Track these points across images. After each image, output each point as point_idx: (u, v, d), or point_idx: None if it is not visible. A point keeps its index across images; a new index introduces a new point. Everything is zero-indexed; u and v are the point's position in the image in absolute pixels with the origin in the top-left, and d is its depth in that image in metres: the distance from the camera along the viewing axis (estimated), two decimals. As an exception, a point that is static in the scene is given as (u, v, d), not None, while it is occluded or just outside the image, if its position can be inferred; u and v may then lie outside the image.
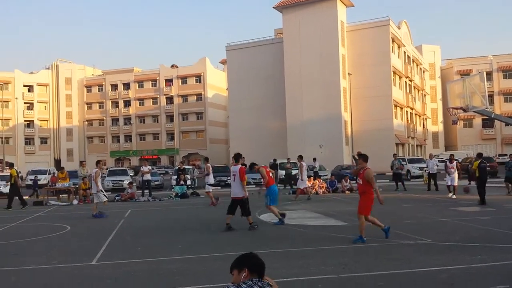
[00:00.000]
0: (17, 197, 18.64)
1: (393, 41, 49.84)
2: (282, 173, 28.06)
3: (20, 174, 39.62)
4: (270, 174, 12.16)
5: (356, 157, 22.97)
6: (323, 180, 24.03)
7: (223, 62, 75.93)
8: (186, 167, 30.69)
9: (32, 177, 37.34)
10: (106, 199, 15.49)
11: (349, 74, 47.91)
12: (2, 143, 61.57)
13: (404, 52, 55.06)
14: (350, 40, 49.52)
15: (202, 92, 74.06)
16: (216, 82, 76.10)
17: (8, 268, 7.38)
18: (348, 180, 22.23)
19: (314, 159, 29.26)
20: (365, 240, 8.67)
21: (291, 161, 27.88)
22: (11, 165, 18.59)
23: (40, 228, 12.19)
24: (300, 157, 19.56)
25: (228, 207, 10.84)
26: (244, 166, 11.80)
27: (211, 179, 17.94)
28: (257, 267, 2.94)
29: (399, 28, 53.70)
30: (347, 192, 21.27)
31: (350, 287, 5.79)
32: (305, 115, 47.79)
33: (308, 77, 47.78)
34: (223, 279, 5.83)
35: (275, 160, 27.33)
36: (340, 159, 43.48)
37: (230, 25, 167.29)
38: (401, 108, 52.36)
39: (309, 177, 23.30)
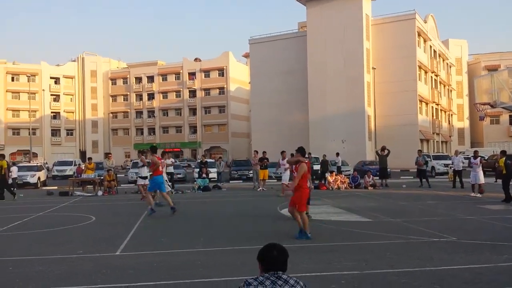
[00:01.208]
0: (6, 189, 18.63)
1: (419, 35, 48.92)
2: (304, 167, 28.01)
3: (46, 165, 40.81)
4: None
5: (380, 152, 22.76)
6: (345, 175, 23.85)
7: (246, 56, 75.97)
8: (208, 160, 30.89)
9: (60, 168, 38.30)
10: (169, 190, 15.55)
11: (373, 68, 47.29)
12: (29, 134, 63.15)
13: (430, 47, 53.99)
14: (375, 34, 48.82)
15: (225, 86, 74.29)
16: (239, 76, 76.21)
17: (34, 257, 7.58)
18: (371, 176, 22.01)
19: (337, 154, 29.08)
20: (310, 236, 8.57)
21: (312, 156, 27.77)
22: (2, 156, 18.71)
23: (66, 218, 12.46)
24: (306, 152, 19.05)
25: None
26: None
27: (144, 171, 17.58)
28: (268, 260, 2.89)
29: (425, 22, 52.64)
30: (370, 188, 21.07)
31: (373, 284, 5.74)
32: (327, 110, 47.44)
33: (331, 71, 47.37)
34: (246, 272, 5.88)
35: (293, 155, 27.24)
36: (363, 155, 43.08)
37: (253, 18, 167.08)
38: (426, 104, 51.48)
39: (331, 172, 23.20)
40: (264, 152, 22.68)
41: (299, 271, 5.92)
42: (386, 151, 22.33)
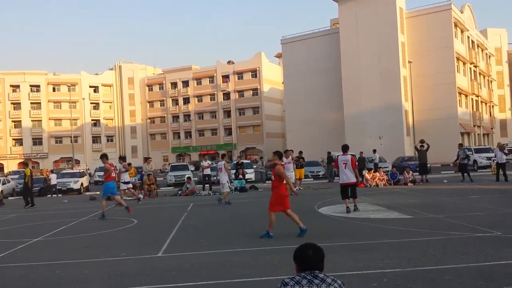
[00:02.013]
0: (28, 196, 19.31)
1: (455, 26, 47.46)
2: (340, 166, 27.71)
3: (88, 171, 42.15)
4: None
5: (419, 147, 22.17)
6: (383, 172, 23.42)
7: (279, 56, 75.92)
8: (244, 161, 31.05)
9: (101, 173, 39.42)
10: (229, 190, 16.47)
11: (409, 62, 46.25)
12: (71, 142, 65.56)
13: (468, 37, 52.27)
14: (410, 27, 47.71)
15: (258, 87, 74.53)
16: (272, 76, 76.26)
17: (81, 260, 7.85)
18: (411, 172, 21.53)
19: (374, 151, 28.59)
20: (272, 235, 8.80)
21: (349, 153, 27.39)
22: (25, 165, 19.94)
23: (108, 222, 12.83)
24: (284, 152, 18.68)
25: (341, 193, 12.39)
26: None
27: (126, 177, 18.39)
28: (303, 260, 2.89)
29: (462, 12, 51.03)
30: (409, 184, 20.61)
31: (416, 281, 5.63)
32: (363, 106, 46.75)
33: (366, 66, 46.66)
34: (285, 272, 5.90)
35: (329, 153, 26.97)
36: (401, 150, 42.21)
37: (285, 18, 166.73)
38: (466, 96, 49.86)
39: (369, 169, 22.85)
40: (300, 152, 22.60)
41: (339, 270, 5.89)
42: (425, 146, 21.76)
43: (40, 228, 12.05)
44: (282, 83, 61.86)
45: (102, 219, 13.26)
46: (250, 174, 28.64)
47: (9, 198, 26.16)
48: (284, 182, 9.09)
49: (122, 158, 18.66)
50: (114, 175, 14.42)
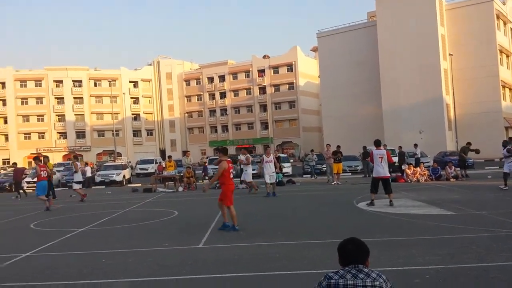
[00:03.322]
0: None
1: (498, 17, 45.63)
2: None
3: (130, 164, 43.37)
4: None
5: (467, 150, 21.00)
6: (424, 167, 22.90)
7: (314, 50, 75.28)
8: (281, 155, 31.08)
9: (142, 166, 40.56)
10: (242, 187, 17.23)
11: (450, 54, 44.84)
12: (113, 135, 67.39)
13: (511, 29, 50.14)
14: (450, 19, 46.20)
15: (294, 81, 74.20)
16: (308, 70, 75.74)
17: (125, 249, 8.14)
18: (453, 167, 20.96)
19: (415, 145, 28.00)
20: (237, 228, 9.25)
21: (388, 148, 26.96)
22: (46, 158, 20.82)
23: (151, 213, 13.21)
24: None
25: (371, 186, 12.49)
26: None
27: (79, 176, 18.71)
28: (347, 254, 2.89)
29: (504, 4, 48.96)
30: (452, 179, 20.08)
31: (459, 278, 5.53)
32: (402, 100, 45.74)
33: (404, 60, 45.59)
34: (326, 266, 5.93)
35: (365, 147, 26.59)
36: (442, 145, 41.09)
37: (321, 11, 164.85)
38: (510, 89, 47.92)
39: (408, 164, 22.40)
40: (338, 146, 22.43)
41: (380, 266, 5.86)
42: (473, 151, 21.01)
43: (86, 219, 12.54)
44: (318, 77, 61.33)
45: (47, 211, 14.76)
46: (287, 168, 28.67)
47: (55, 189, 27.23)
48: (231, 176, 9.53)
49: (37, 159, 18.78)
50: (45, 176, 15.86)
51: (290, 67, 74.74)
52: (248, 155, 19.71)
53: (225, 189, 9.44)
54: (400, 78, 45.86)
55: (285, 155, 37.60)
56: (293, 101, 74.76)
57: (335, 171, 21.36)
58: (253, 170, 28.36)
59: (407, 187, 17.88)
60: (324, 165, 25.06)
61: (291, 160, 41.27)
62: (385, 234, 8.41)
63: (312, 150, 27.50)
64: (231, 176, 9.65)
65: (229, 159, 9.97)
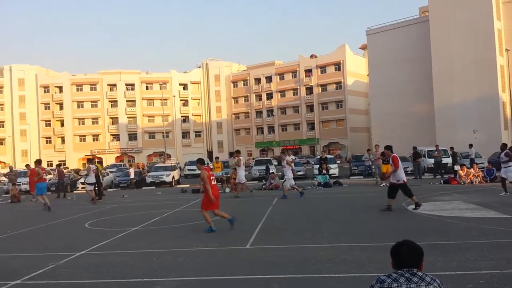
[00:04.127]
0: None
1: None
2: (430, 161, 26.44)
3: (179, 165, 44.37)
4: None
5: None
6: (478, 168, 21.96)
7: (363, 48, 73.93)
8: (328, 156, 30.78)
9: (191, 167, 41.38)
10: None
11: (506, 50, 42.69)
12: (163, 137, 69.25)
13: None
14: (507, 13, 44.01)
15: (342, 80, 73.20)
16: (356, 69, 74.48)
17: (175, 249, 8.37)
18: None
19: (470, 146, 26.89)
20: (214, 229, 9.76)
21: (440, 149, 26.06)
22: (93, 160, 21.82)
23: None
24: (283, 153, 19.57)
25: (393, 192, 12.00)
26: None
27: (91, 179, 19.51)
28: (401, 257, 2.82)
29: None
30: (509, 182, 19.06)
31: (516, 286, 5.29)
32: (455, 98, 44.04)
33: (458, 56, 43.88)
34: (373, 269, 5.85)
35: (415, 148, 25.69)
36: (497, 145, 38.94)
37: (370, 8, 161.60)
38: None
39: (461, 165, 21.56)
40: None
41: (432, 270, 5.69)
42: None
43: (138, 218, 12.97)
44: (367, 75, 60.21)
45: (49, 211, 15.92)
46: (334, 169, 28.34)
47: (108, 190, 28.35)
48: (213, 182, 10.12)
49: (38, 162, 19.18)
50: (45, 178, 17.61)
51: (338, 66, 73.79)
52: (240, 157, 19.75)
53: (206, 194, 10.02)
54: (454, 75, 44.19)
55: (332, 156, 37.19)
56: (340, 101, 73.78)
57: (383, 171, 20.86)
58: (299, 171, 28.39)
59: (460, 189, 17.23)
60: (373, 166, 24.56)
61: (338, 161, 40.74)
62: (436, 237, 8.15)
63: (368, 150, 26.81)
64: (213, 183, 10.19)
65: (207, 166, 10.89)
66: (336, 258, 6.95)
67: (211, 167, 25.35)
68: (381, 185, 20.43)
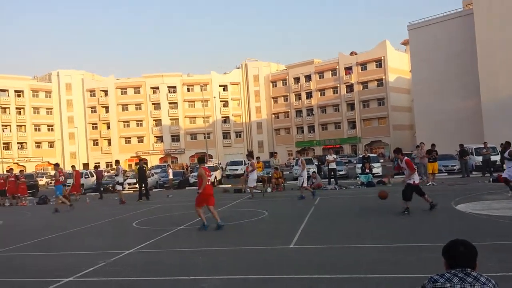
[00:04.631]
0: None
1: None
2: (478, 159, 25.47)
3: (220, 165, 44.85)
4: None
5: None
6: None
7: (405, 43, 72.10)
8: (371, 155, 30.23)
9: (232, 167, 41.80)
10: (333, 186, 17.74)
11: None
12: (204, 138, 70.19)
13: None
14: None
15: (383, 77, 71.69)
16: (398, 65, 72.71)
17: (220, 248, 8.48)
18: None
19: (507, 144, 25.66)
20: (206, 226, 10.36)
21: (488, 146, 25.04)
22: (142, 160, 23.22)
23: (241, 213, 13.58)
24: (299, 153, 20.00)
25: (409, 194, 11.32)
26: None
27: (120, 179, 20.87)
28: (455, 257, 2.74)
29: None
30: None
31: None
32: (503, 92, 42.18)
33: (504, 49, 42.01)
34: (424, 270, 5.71)
35: (462, 145, 24.72)
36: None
37: (411, 2, 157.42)
38: None
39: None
40: (432, 145, 21.30)
41: (486, 271, 5.44)
42: None
43: (183, 217, 13.22)
44: (410, 71, 58.68)
45: (56, 212, 17.25)
46: (377, 168, 27.82)
47: (153, 190, 29.04)
48: (208, 182, 10.73)
49: (57, 165, 20.81)
50: (62, 180, 19.05)
51: (379, 62, 72.33)
52: (253, 160, 19.87)
53: (203, 192, 10.56)
54: (501, 69, 42.36)
55: (375, 155, 36.51)
56: (382, 98, 72.30)
57: (430, 171, 20.32)
58: (340, 170, 28.00)
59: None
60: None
61: (381, 160, 39.93)
62: (488, 238, 7.84)
63: (417, 146, 25.84)
64: (208, 183, 10.78)
65: (206, 166, 11.61)
66: (383, 258, 6.83)
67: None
68: (427, 184, 19.88)
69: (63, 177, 19.28)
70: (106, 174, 41.62)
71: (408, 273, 5.89)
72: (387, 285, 5.52)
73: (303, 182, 17.36)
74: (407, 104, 70.44)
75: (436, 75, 49.24)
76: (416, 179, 11.49)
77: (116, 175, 21.60)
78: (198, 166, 11.44)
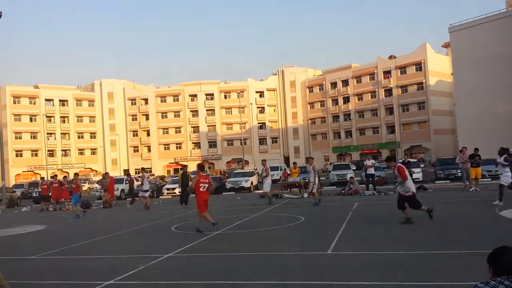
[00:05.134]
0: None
1: None
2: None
3: (257, 171, 44.96)
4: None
5: None
6: None
7: (446, 46, 70.20)
8: (411, 160, 29.51)
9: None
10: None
11: None
12: (241, 144, 70.60)
13: None
14: None
15: (423, 80, 70.04)
16: (439, 68, 70.86)
17: (256, 253, 8.51)
18: None
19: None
20: (202, 230, 11.12)
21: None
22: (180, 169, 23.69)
23: (278, 219, 13.56)
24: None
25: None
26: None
27: (146, 186, 21.12)
28: (501, 264, 2.65)
29: None
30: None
31: None
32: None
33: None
34: (465, 278, 5.52)
35: (506, 149, 23.45)
36: None
37: (451, 4, 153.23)
38: None
39: None
40: (476, 149, 20.58)
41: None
42: None
43: (220, 223, 13.29)
44: (451, 74, 57.04)
45: (76, 218, 17.81)
46: (417, 173, 27.10)
47: (191, 195, 29.39)
48: (201, 189, 11.56)
49: (76, 174, 21.94)
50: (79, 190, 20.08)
51: (419, 66, 70.76)
52: (267, 166, 20.06)
53: (197, 199, 11.72)
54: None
55: (415, 160, 35.60)
56: (422, 102, 70.60)
57: (473, 176, 19.64)
58: (379, 176, 27.45)
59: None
60: (459, 170, 23.18)
61: (422, 165, 38.89)
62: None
63: (460, 151, 24.72)
64: (202, 189, 11.57)
65: (205, 174, 12.58)
66: (424, 266, 6.64)
67: (289, 172, 25.48)
68: (470, 189, 19.22)
69: (74, 186, 20.21)
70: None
71: (450, 281, 5.70)
72: (429, 293, 5.37)
73: (312, 188, 17.57)
74: (449, 107, 68.48)
75: (479, 78, 47.63)
76: (412, 188, 10.88)
77: (142, 184, 22.10)
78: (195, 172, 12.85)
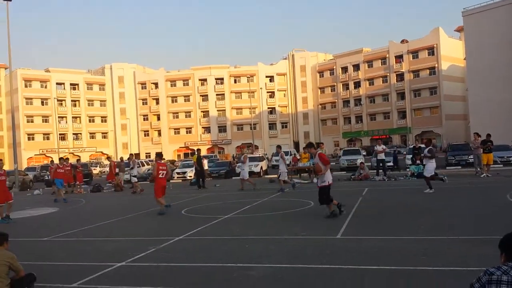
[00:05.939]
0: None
1: None
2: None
3: (266, 156, 45.07)
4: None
5: None
6: None
7: (459, 30, 69.01)
8: (422, 145, 29.26)
9: (278, 157, 41.85)
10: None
11: None
12: (251, 129, 70.50)
13: None
14: None
15: (436, 65, 69.07)
16: (452, 53, 69.75)
17: (266, 236, 8.58)
18: None
19: None
20: (164, 212, 12.54)
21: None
22: (192, 154, 23.65)
23: (288, 203, 13.61)
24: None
25: (327, 197, 10.39)
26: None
27: (135, 171, 22.36)
28: (508, 249, 2.68)
29: None
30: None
31: None
32: None
33: None
34: (475, 263, 5.52)
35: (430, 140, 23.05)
36: None
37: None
38: None
39: None
40: (488, 135, 20.38)
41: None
42: None
43: (230, 206, 13.44)
44: (464, 59, 56.22)
45: (65, 202, 18.19)
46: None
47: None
48: (160, 176, 12.79)
49: (61, 159, 22.23)
50: (62, 172, 20.42)
51: (432, 50, 69.71)
52: (282, 152, 19.44)
53: (155, 185, 12.92)
54: None
55: (423, 146, 35.25)
56: (434, 87, 69.76)
57: (484, 162, 19.47)
58: (389, 161, 27.28)
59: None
60: (471, 156, 23.01)
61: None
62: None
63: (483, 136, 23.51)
64: (161, 176, 12.80)
65: (162, 162, 13.72)
66: (432, 250, 6.65)
67: (298, 157, 25.45)
68: (482, 175, 19.09)
69: (62, 170, 20.63)
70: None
71: (460, 266, 5.71)
72: (437, 278, 5.38)
73: (280, 174, 18.17)
74: (461, 93, 67.66)
75: (493, 63, 46.92)
76: (329, 179, 10.31)
77: (132, 168, 22.31)
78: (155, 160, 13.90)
